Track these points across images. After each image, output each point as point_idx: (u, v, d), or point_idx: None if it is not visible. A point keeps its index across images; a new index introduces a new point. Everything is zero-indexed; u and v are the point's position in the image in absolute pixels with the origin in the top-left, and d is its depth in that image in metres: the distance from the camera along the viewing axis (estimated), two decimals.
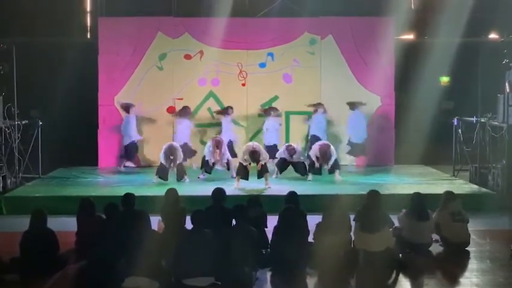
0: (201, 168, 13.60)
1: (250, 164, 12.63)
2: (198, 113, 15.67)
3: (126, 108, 15.07)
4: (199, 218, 7.89)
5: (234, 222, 8.24)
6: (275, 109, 15.08)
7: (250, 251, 7.82)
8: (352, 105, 15.07)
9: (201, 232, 7.80)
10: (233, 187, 12.36)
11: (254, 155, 12.50)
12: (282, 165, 13.63)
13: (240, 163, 12.76)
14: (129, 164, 15.26)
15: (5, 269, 8.01)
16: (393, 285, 7.97)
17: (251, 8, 16.02)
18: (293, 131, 15.64)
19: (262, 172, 12.73)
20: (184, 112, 14.91)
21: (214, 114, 15.40)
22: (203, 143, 15.23)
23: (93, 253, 7.91)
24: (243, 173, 12.66)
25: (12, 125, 13.48)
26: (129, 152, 15.07)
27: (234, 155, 14.45)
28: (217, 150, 13.04)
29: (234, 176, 13.33)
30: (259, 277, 7.94)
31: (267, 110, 15.01)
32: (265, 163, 12.76)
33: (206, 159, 13.35)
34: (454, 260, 8.93)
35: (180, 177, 13.11)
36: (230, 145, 14.50)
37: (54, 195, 12.14)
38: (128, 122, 15.01)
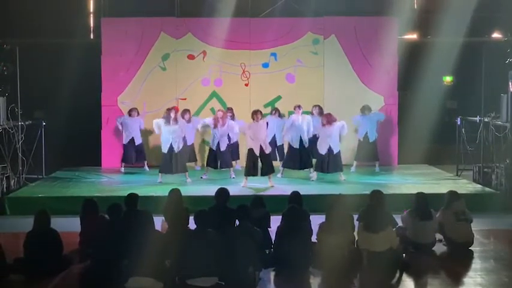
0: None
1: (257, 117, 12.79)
2: (201, 113, 15.68)
3: (137, 111, 14.97)
4: (202, 218, 7.89)
5: (237, 222, 8.23)
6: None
7: (254, 251, 7.82)
8: (364, 110, 14.83)
9: (204, 232, 7.80)
10: (241, 185, 12.69)
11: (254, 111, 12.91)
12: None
13: (249, 158, 12.85)
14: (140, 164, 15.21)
15: (9, 269, 8.02)
16: (397, 285, 7.96)
17: (254, 8, 16.03)
18: None
19: (267, 171, 12.81)
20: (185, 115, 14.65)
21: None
22: (205, 142, 15.28)
23: (97, 253, 7.94)
24: (253, 170, 12.77)
25: (15, 125, 13.50)
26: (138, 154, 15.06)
27: (237, 156, 14.60)
28: None
29: (234, 176, 13.67)
30: (262, 277, 7.95)
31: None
32: (271, 162, 12.89)
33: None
34: (458, 260, 8.92)
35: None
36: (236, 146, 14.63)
37: (58, 196, 12.18)
38: (133, 124, 14.93)
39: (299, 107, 13.89)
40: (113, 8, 15.94)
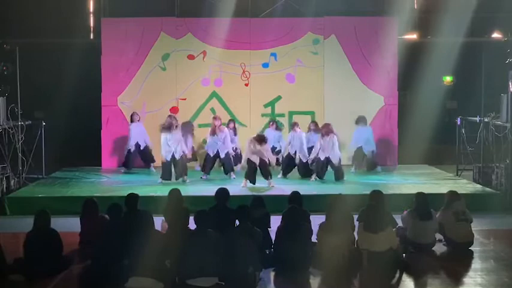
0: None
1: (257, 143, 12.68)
2: (201, 113, 15.69)
3: (138, 116, 14.94)
4: (202, 218, 7.89)
5: (237, 222, 8.23)
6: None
7: (254, 251, 7.82)
8: (358, 121, 14.73)
9: (204, 232, 7.80)
10: (241, 185, 12.68)
11: (260, 137, 12.80)
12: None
13: (249, 166, 12.85)
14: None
15: (9, 269, 8.02)
16: (397, 285, 7.96)
17: (254, 8, 16.03)
18: None
19: (266, 175, 12.85)
20: (188, 127, 14.58)
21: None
22: (205, 141, 15.28)
23: (97, 253, 7.93)
24: (252, 176, 12.79)
25: (15, 125, 13.50)
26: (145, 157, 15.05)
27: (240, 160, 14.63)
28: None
29: (234, 177, 13.69)
30: (262, 277, 7.95)
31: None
32: (268, 161, 12.88)
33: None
34: (458, 260, 8.91)
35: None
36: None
37: (58, 196, 12.17)
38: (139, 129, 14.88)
39: (295, 125, 13.94)
40: (113, 8, 15.94)
